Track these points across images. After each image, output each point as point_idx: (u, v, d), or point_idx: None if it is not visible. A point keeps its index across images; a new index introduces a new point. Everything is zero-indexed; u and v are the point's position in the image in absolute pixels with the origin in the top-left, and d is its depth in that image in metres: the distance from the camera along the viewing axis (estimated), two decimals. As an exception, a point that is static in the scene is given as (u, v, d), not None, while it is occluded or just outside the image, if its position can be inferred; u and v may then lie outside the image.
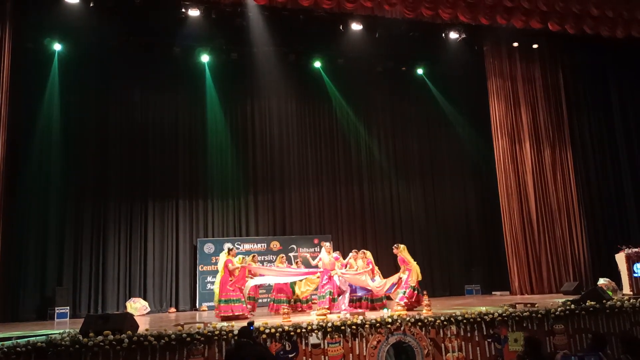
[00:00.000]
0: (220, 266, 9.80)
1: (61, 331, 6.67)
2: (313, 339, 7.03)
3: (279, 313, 9.98)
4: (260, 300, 11.16)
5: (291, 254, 13.07)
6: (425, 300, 8.96)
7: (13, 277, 11.67)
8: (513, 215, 13.92)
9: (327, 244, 10.42)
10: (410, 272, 9.98)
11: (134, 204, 12.98)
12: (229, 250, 9.93)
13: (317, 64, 14.38)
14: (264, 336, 6.90)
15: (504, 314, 7.67)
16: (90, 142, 12.88)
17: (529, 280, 13.60)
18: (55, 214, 12.27)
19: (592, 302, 8.06)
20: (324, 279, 9.92)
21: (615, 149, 15.24)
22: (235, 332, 6.77)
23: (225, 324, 7.25)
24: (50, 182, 12.33)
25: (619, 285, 11.11)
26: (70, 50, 12.56)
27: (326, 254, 10.08)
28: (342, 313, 8.63)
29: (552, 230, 13.90)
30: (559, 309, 7.86)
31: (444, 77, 15.20)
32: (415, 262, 10.18)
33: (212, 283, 11.54)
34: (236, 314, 9.26)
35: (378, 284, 10.18)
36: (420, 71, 15.11)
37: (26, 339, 6.45)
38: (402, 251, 10.21)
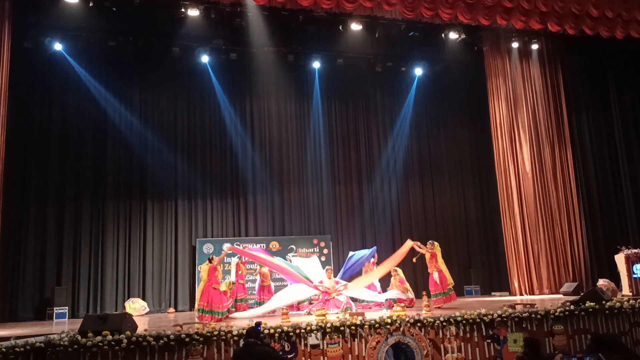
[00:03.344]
0: (203, 274, 9.65)
1: (60, 331, 6.66)
2: (312, 340, 7.02)
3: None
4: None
5: (290, 254, 13.04)
6: (425, 301, 8.99)
7: (12, 277, 11.66)
8: (513, 215, 13.92)
9: (329, 267, 10.50)
10: (444, 272, 10.37)
11: (133, 204, 12.96)
12: (210, 259, 9.86)
13: (317, 64, 14.33)
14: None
15: (503, 315, 7.66)
16: (89, 141, 12.86)
17: (529, 281, 13.60)
18: (54, 214, 12.26)
19: (592, 303, 8.05)
20: (324, 300, 9.95)
21: (614, 149, 15.23)
22: (234, 332, 6.77)
23: (223, 324, 7.24)
24: (49, 182, 12.33)
25: (619, 286, 11.11)
26: (69, 50, 12.52)
27: (327, 278, 10.22)
28: (340, 313, 8.66)
29: (551, 231, 13.90)
30: (559, 309, 7.85)
31: (444, 77, 15.19)
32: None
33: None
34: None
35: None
36: (419, 71, 15.06)
37: (25, 339, 6.43)
38: (437, 248, 10.61)
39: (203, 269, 9.75)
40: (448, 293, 10.30)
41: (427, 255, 10.66)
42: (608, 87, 15.49)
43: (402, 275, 10.96)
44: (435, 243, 10.81)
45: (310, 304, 10.35)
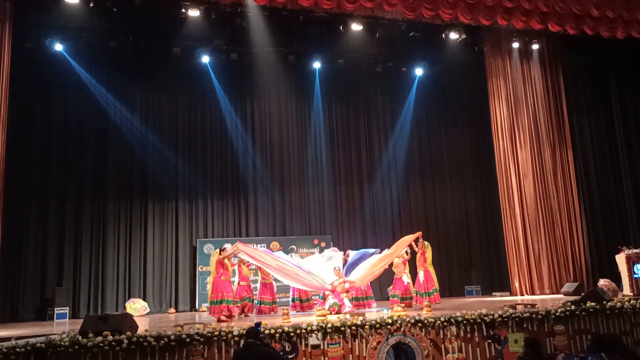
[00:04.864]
0: (212, 267, 9.79)
1: (61, 332, 6.66)
2: (313, 340, 7.01)
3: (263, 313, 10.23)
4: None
5: (291, 254, 13.05)
6: (425, 301, 8.98)
7: (13, 278, 11.66)
8: (513, 215, 13.92)
9: (337, 267, 10.44)
10: (430, 273, 10.40)
11: (134, 204, 12.97)
12: (221, 250, 9.90)
13: (317, 64, 14.32)
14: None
15: (504, 315, 7.65)
16: (89, 142, 12.87)
17: (529, 281, 13.60)
18: (54, 214, 12.27)
19: (593, 303, 8.04)
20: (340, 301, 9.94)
21: (615, 150, 15.21)
22: (235, 332, 6.76)
23: (224, 324, 7.24)
24: (50, 183, 12.34)
25: (620, 286, 11.09)
26: (70, 50, 12.53)
27: (336, 277, 10.16)
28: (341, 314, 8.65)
29: (552, 231, 13.89)
30: (559, 310, 7.84)
31: (444, 77, 15.19)
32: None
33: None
34: (222, 314, 9.36)
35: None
36: (420, 71, 15.05)
37: (25, 340, 6.43)
38: (427, 248, 10.67)
39: (212, 261, 9.88)
40: (432, 294, 10.31)
41: (418, 255, 10.74)
42: (609, 87, 15.47)
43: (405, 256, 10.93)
44: (426, 243, 10.84)
45: (324, 299, 10.27)
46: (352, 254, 11.11)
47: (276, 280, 11.49)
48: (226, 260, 9.79)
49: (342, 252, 11.17)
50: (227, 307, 9.41)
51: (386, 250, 10.91)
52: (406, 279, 10.72)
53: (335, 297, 9.82)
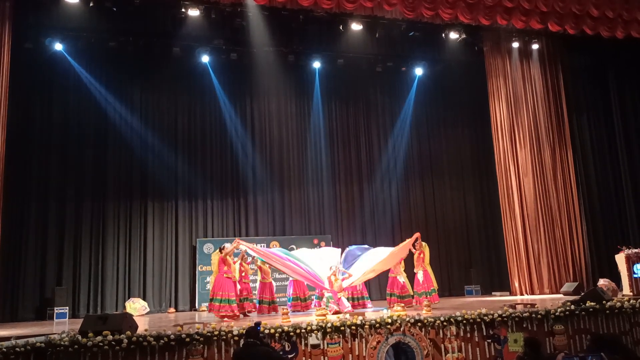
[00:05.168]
0: (214, 266, 9.83)
1: (60, 331, 6.66)
2: (312, 340, 7.01)
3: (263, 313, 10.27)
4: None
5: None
6: (425, 301, 8.98)
7: (12, 277, 11.66)
8: (513, 215, 13.93)
9: (334, 266, 10.47)
10: (429, 273, 10.52)
11: (134, 203, 12.97)
12: (221, 249, 9.94)
13: (317, 64, 14.33)
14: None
15: (503, 315, 7.66)
16: (89, 142, 12.86)
17: (529, 281, 13.60)
18: (54, 214, 12.27)
19: (592, 303, 8.04)
20: (337, 299, 9.95)
21: (615, 150, 15.22)
22: (235, 332, 6.76)
23: (224, 324, 7.24)
24: (50, 183, 12.34)
25: (619, 286, 11.10)
26: (70, 50, 12.53)
27: (334, 277, 10.17)
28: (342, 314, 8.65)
29: (552, 231, 13.90)
30: (559, 309, 7.84)
31: (444, 77, 15.19)
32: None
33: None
34: (225, 313, 9.41)
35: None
36: (420, 71, 15.05)
37: (25, 339, 6.43)
38: (425, 248, 10.79)
39: (214, 260, 9.90)
40: (431, 293, 10.37)
41: (416, 255, 10.78)
42: (609, 87, 15.47)
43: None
44: (424, 243, 10.89)
45: (319, 300, 10.30)
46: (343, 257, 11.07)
47: (276, 280, 11.55)
48: (228, 257, 9.81)
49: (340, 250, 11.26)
50: (229, 307, 9.46)
51: (383, 247, 10.95)
52: (402, 278, 10.72)
53: (332, 295, 9.85)
